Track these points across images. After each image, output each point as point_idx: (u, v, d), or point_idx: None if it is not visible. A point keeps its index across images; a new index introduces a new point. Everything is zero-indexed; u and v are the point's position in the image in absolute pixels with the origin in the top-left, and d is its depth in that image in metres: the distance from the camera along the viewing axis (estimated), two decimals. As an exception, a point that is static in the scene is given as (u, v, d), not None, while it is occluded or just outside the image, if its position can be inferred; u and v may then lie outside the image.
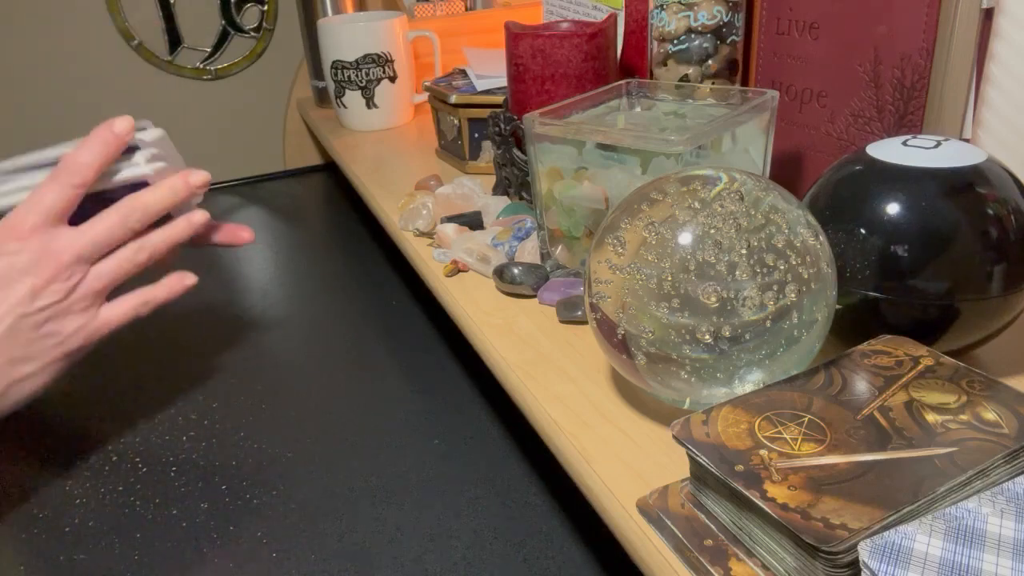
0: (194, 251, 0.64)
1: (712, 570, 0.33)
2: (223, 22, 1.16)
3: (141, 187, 0.58)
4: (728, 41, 0.62)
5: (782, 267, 0.38)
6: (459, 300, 0.60)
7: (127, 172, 0.58)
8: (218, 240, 0.64)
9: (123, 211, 0.55)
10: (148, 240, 0.57)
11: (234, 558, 0.50)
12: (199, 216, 0.60)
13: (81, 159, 0.54)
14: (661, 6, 0.62)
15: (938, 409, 0.35)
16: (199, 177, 0.59)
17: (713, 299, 0.38)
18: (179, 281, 0.60)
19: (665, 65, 0.64)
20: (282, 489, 0.56)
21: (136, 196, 0.56)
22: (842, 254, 0.43)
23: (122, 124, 0.55)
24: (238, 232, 0.65)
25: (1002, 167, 0.43)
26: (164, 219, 0.59)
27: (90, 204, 0.56)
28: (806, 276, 0.38)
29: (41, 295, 0.52)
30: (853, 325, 0.45)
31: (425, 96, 1.00)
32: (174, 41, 1.14)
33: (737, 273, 0.37)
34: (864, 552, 0.28)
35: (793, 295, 0.38)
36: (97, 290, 0.54)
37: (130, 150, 0.58)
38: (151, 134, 0.61)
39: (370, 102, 1.04)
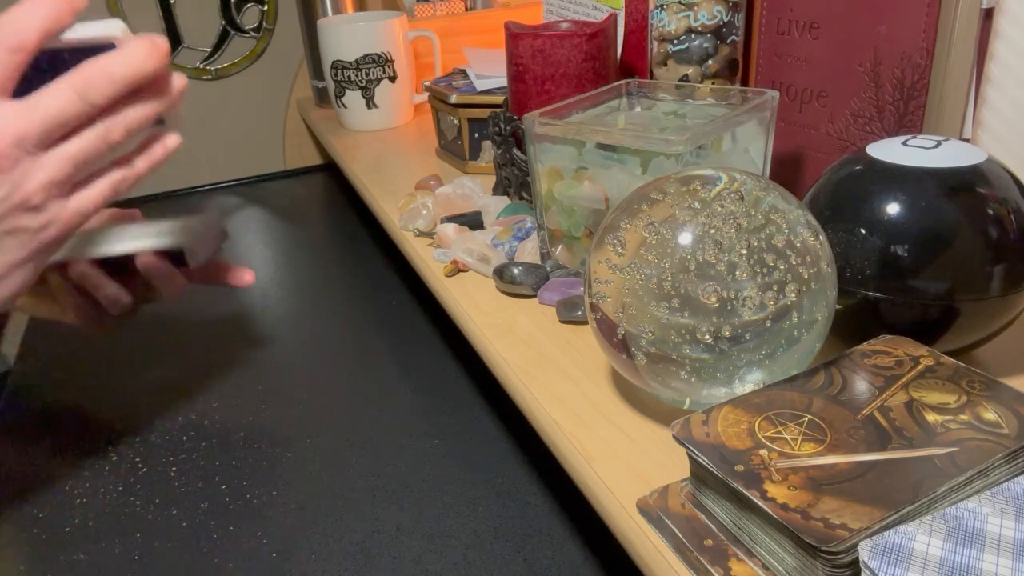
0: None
1: (712, 570, 0.33)
2: (223, 22, 1.16)
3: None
4: (728, 41, 0.62)
5: (782, 267, 0.38)
6: (459, 300, 0.60)
7: (93, 30, 0.45)
8: (221, 280, 0.62)
9: (79, 79, 0.42)
10: (121, 115, 0.44)
11: (234, 558, 0.50)
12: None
13: (16, 15, 0.42)
14: (661, 6, 0.62)
15: (938, 409, 0.35)
16: (166, 42, 0.45)
17: (713, 299, 0.38)
18: (160, 145, 0.48)
19: (665, 65, 0.64)
20: (282, 489, 0.56)
21: (95, 60, 0.43)
22: (842, 254, 0.43)
23: None
24: (241, 275, 0.63)
25: (1002, 167, 0.43)
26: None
27: (47, 73, 0.43)
28: (806, 276, 0.38)
29: None
30: (853, 325, 0.45)
31: (425, 96, 1.00)
32: (174, 41, 1.14)
33: (737, 273, 0.37)
34: (864, 552, 0.28)
35: (793, 295, 0.38)
36: (58, 180, 0.43)
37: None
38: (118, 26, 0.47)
39: (370, 102, 1.04)
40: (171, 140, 0.48)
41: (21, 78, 0.43)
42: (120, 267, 0.57)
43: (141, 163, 0.47)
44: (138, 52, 0.44)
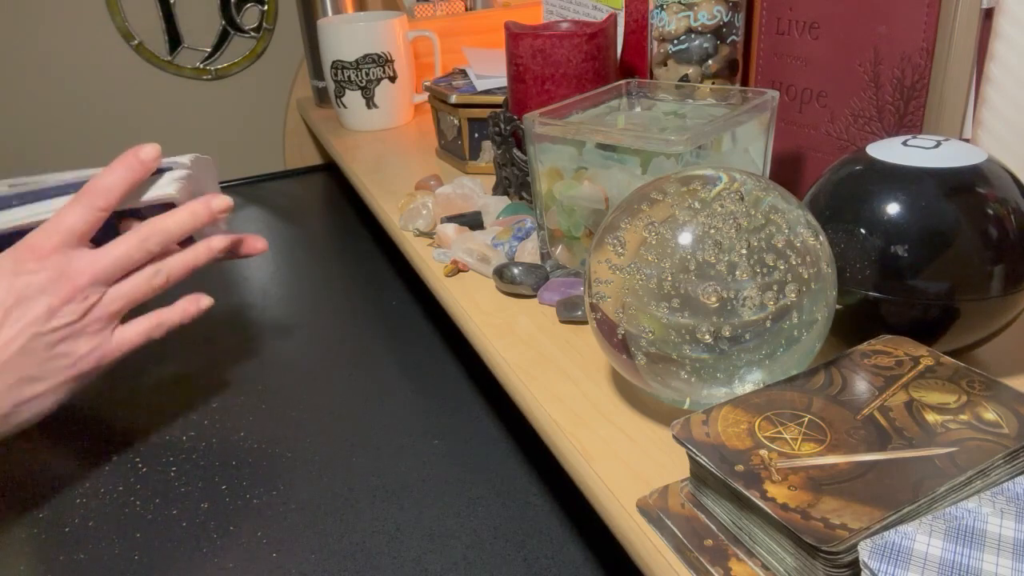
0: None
1: (712, 570, 0.33)
2: (223, 22, 1.16)
3: (168, 208, 0.58)
4: (728, 41, 0.62)
5: (782, 267, 0.38)
6: (459, 300, 0.60)
7: (152, 193, 0.58)
8: (234, 253, 0.64)
9: (142, 234, 0.55)
10: (166, 264, 0.57)
11: (234, 558, 0.50)
12: (218, 242, 0.60)
13: (105, 183, 0.54)
14: (661, 6, 0.62)
15: (938, 409, 0.35)
16: (221, 203, 0.58)
17: (713, 299, 0.38)
18: (194, 303, 0.60)
19: (665, 65, 0.64)
20: (282, 489, 0.56)
21: (156, 220, 0.56)
22: (842, 254, 0.43)
23: (148, 151, 0.56)
24: (253, 243, 0.64)
25: (1002, 167, 0.43)
26: (186, 241, 0.60)
27: (115, 223, 0.56)
28: (806, 276, 0.38)
29: (57, 315, 0.52)
30: (853, 325, 0.45)
31: (425, 96, 1.00)
32: (174, 41, 1.14)
33: (737, 273, 0.37)
34: (864, 552, 0.28)
35: (793, 295, 0.38)
36: (112, 312, 0.55)
37: (159, 171, 0.59)
38: (187, 157, 0.61)
39: (370, 102, 1.04)
40: (204, 301, 0.60)
41: None
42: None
43: (177, 316, 0.59)
44: (194, 210, 0.57)
